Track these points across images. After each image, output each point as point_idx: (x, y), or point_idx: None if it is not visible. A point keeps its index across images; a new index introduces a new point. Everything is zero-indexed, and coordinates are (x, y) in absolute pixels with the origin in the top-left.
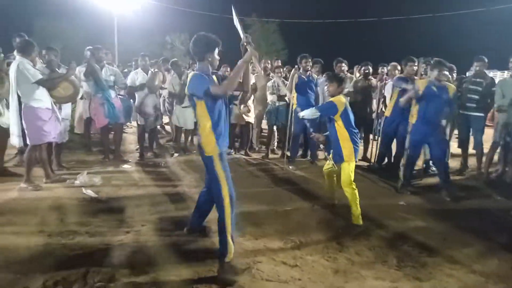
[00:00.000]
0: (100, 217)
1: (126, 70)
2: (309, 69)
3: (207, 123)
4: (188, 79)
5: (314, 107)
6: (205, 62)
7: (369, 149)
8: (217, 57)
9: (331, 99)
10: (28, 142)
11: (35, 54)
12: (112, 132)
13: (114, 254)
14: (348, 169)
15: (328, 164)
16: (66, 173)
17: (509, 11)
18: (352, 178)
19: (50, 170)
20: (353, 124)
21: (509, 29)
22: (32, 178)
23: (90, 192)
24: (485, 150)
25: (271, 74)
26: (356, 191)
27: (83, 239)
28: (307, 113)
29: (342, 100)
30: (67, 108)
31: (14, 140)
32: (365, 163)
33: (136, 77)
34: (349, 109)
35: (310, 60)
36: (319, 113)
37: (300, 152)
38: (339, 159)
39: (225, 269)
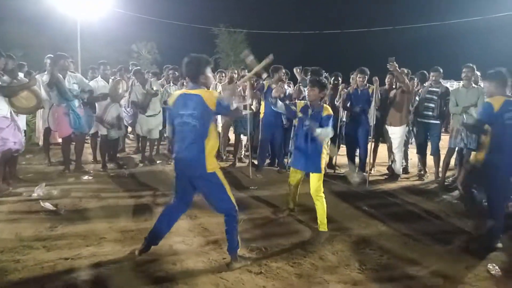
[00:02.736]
0: (58, 231)
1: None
2: (283, 79)
3: (215, 140)
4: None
5: (327, 128)
6: (198, 83)
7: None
8: (210, 75)
9: (329, 109)
10: None
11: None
12: (73, 143)
13: (72, 269)
14: (321, 179)
15: (295, 176)
16: (23, 185)
17: (463, 24)
18: (322, 188)
19: (6, 183)
20: None
21: (465, 41)
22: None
23: (48, 205)
24: (442, 156)
25: (237, 83)
26: (324, 200)
27: (39, 254)
28: (323, 133)
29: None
30: (21, 119)
31: None
32: (331, 170)
33: (97, 86)
34: None
35: (283, 71)
36: (332, 133)
37: (267, 161)
38: (315, 169)
39: (238, 259)
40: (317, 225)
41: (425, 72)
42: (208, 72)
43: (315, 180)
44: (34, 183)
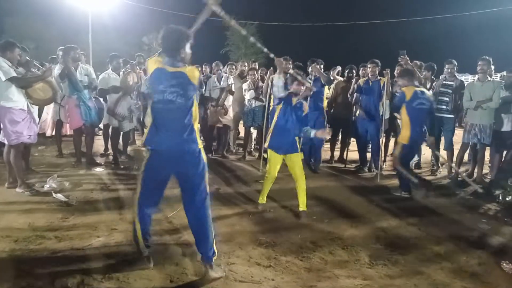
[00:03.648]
0: (69, 222)
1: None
2: (289, 70)
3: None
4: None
5: (310, 129)
6: (177, 58)
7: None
8: (189, 51)
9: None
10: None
11: (14, 54)
12: (84, 135)
13: (83, 259)
14: (301, 158)
15: (276, 162)
16: (36, 176)
17: (479, 16)
18: None
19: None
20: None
21: (481, 34)
22: (26, 181)
23: (60, 196)
24: (456, 151)
25: (247, 76)
26: None
27: (52, 244)
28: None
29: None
30: (34, 111)
31: None
32: (341, 165)
33: (108, 78)
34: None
35: (290, 62)
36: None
37: None
38: (295, 149)
39: (215, 269)
40: (299, 207)
41: (433, 64)
42: (188, 47)
43: (298, 160)
44: (46, 174)
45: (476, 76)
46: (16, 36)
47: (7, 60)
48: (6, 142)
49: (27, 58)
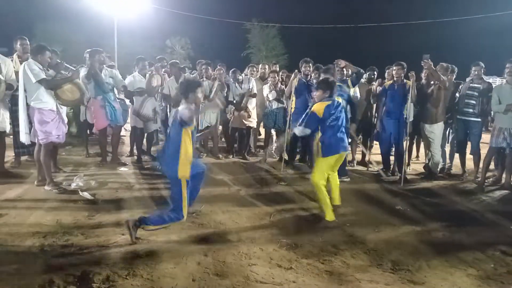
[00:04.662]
0: (95, 219)
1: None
2: (309, 73)
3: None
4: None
5: (301, 126)
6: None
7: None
8: (199, 95)
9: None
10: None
11: (44, 57)
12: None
13: (109, 256)
14: None
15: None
16: (63, 175)
17: (507, 17)
18: None
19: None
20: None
21: (509, 35)
22: (54, 179)
23: (86, 195)
24: (482, 155)
25: (268, 78)
26: None
27: (78, 240)
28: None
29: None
30: (63, 111)
31: (22, 137)
32: (364, 168)
33: (134, 81)
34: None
35: (310, 65)
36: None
37: (298, 156)
38: (344, 148)
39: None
40: (337, 203)
41: (454, 67)
42: (198, 92)
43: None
44: (73, 173)
45: (504, 79)
46: (45, 40)
47: (38, 63)
48: (37, 142)
49: (58, 60)
